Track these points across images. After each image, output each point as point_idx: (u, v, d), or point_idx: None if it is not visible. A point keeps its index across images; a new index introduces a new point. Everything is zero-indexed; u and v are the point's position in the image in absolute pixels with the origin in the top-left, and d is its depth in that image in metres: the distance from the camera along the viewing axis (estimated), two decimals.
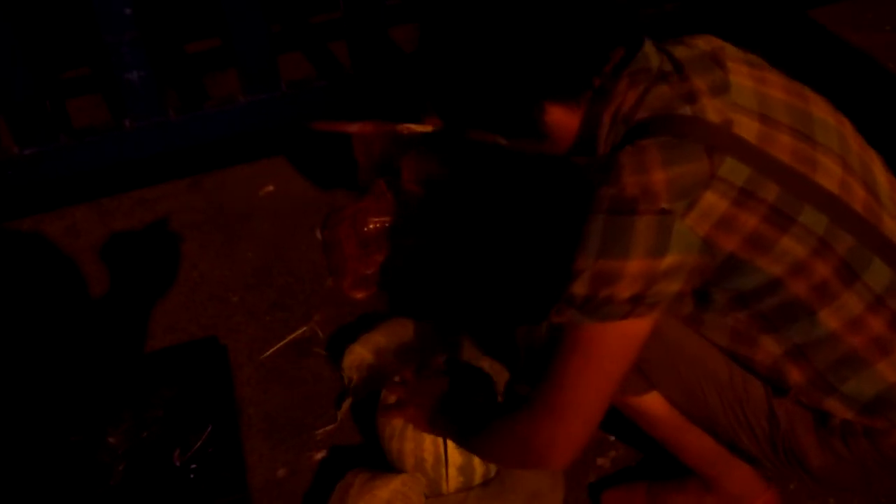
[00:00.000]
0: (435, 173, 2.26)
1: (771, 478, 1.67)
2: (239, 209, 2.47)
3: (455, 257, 2.23)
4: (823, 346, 1.32)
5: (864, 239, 1.27)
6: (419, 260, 2.23)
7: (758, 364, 1.39)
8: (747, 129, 1.25)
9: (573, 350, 1.29)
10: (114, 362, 2.06)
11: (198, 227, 2.43)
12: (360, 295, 2.21)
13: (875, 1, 3.09)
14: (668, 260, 1.22)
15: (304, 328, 2.15)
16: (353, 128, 2.40)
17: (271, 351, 2.11)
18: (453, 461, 1.67)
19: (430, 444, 1.67)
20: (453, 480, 1.69)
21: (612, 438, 1.85)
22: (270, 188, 2.52)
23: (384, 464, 1.74)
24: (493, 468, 1.72)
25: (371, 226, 2.25)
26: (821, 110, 1.34)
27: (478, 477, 1.71)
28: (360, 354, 1.96)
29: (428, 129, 2.22)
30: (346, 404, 1.93)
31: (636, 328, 1.27)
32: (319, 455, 1.90)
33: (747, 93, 1.29)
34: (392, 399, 1.73)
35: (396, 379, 1.76)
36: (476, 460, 1.68)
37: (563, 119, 1.32)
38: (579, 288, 1.25)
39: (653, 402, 1.51)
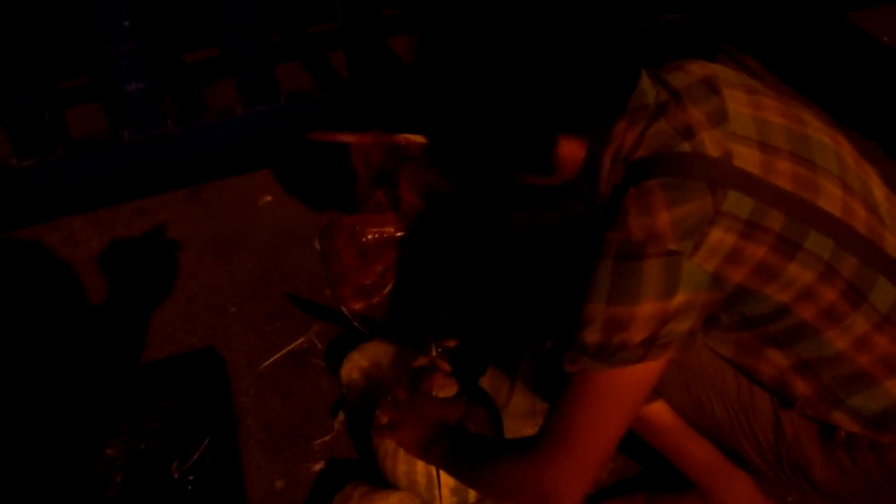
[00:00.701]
0: (434, 184, 2.26)
1: (769, 491, 1.67)
2: (237, 220, 2.47)
3: (454, 268, 2.22)
4: (830, 363, 1.32)
5: (868, 260, 1.27)
6: (418, 271, 2.23)
7: (763, 375, 1.39)
8: (747, 158, 1.24)
9: (587, 395, 1.28)
10: (112, 373, 2.06)
11: (196, 237, 2.43)
12: (358, 305, 2.21)
13: None
14: (678, 299, 1.21)
15: (303, 339, 2.15)
16: (352, 138, 2.40)
17: (269, 362, 2.11)
18: (446, 482, 1.66)
19: (422, 466, 1.66)
20: (447, 501, 1.68)
21: None
22: (269, 199, 2.52)
23: (382, 477, 1.74)
24: None
25: (370, 236, 2.25)
26: (817, 131, 1.34)
27: (472, 497, 1.70)
28: (357, 365, 1.96)
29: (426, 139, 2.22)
30: (343, 415, 1.93)
31: (649, 369, 1.26)
32: (318, 466, 1.89)
33: (745, 120, 1.28)
34: (384, 419, 1.70)
35: (389, 399, 1.72)
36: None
37: (573, 152, 1.31)
38: (591, 336, 1.24)
39: (658, 411, 1.51)
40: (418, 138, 2.27)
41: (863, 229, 1.28)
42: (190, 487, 1.76)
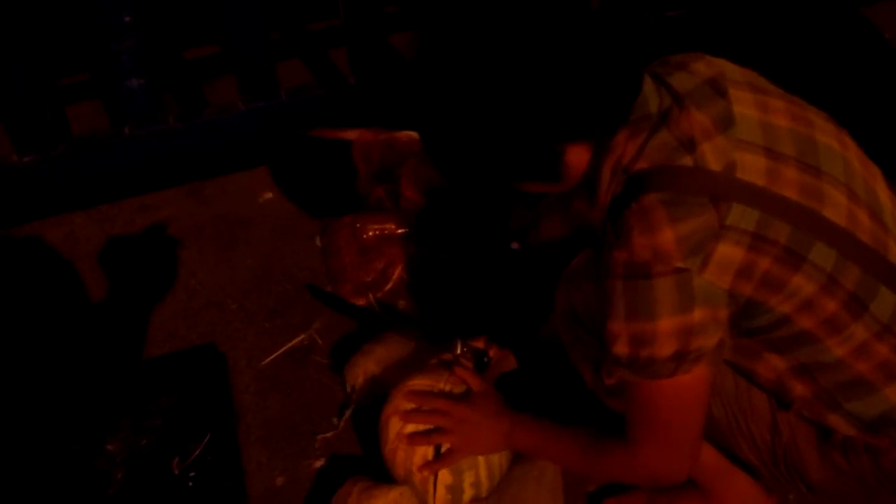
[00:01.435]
0: (435, 181, 2.26)
1: (771, 490, 1.66)
2: (238, 216, 2.47)
3: (456, 264, 2.22)
4: (829, 368, 1.32)
5: (870, 269, 1.27)
6: (419, 267, 2.23)
7: (761, 377, 1.39)
8: (752, 167, 1.23)
9: (645, 403, 1.32)
10: (112, 370, 2.06)
11: (196, 233, 2.43)
12: (359, 302, 2.21)
13: None
14: (698, 315, 1.22)
15: (303, 336, 2.15)
16: (353, 135, 2.40)
17: (270, 358, 2.11)
18: (442, 480, 1.64)
19: (419, 458, 1.64)
20: (441, 499, 1.66)
21: None
22: (269, 195, 2.52)
23: (384, 473, 1.74)
24: (484, 491, 1.68)
25: (370, 233, 2.25)
26: (824, 134, 1.32)
27: (466, 498, 1.67)
28: (362, 364, 1.95)
29: None
30: (348, 413, 1.93)
31: (692, 380, 1.27)
32: (318, 463, 1.89)
33: (752, 125, 1.26)
34: (421, 426, 1.65)
35: (425, 408, 1.65)
36: (466, 482, 1.65)
37: (579, 158, 1.29)
38: (621, 349, 1.26)
39: None
40: (419, 135, 2.26)
41: (866, 238, 1.27)
42: (191, 484, 1.76)
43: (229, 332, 2.17)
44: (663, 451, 1.35)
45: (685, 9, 2.55)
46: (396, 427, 1.67)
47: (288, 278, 2.30)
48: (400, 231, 2.26)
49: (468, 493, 1.67)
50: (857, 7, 2.92)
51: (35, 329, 2.20)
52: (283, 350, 2.12)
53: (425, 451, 1.64)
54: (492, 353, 1.85)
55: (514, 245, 2.19)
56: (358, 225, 2.27)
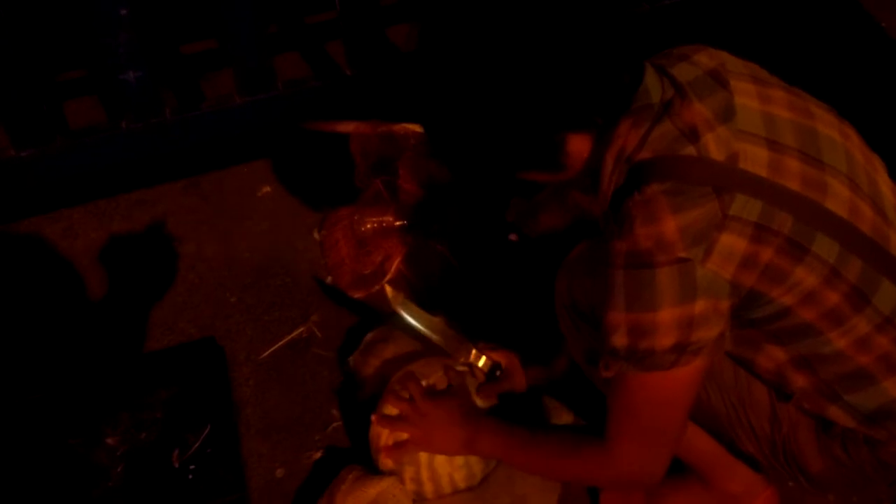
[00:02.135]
0: (434, 173, 2.26)
1: (770, 476, 1.67)
2: (236, 210, 2.47)
3: (454, 257, 2.22)
4: (830, 360, 1.32)
5: (873, 262, 1.27)
6: (417, 260, 2.23)
7: (761, 368, 1.39)
8: (755, 158, 1.23)
9: (635, 396, 1.30)
10: (112, 363, 2.06)
11: (195, 227, 2.42)
12: (358, 295, 2.21)
13: None
14: (700, 305, 1.21)
15: (302, 328, 2.15)
16: (350, 127, 2.39)
17: (269, 351, 2.11)
18: (430, 476, 1.67)
19: (384, 441, 1.67)
20: (427, 486, 1.69)
21: None
22: (267, 189, 2.52)
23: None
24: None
25: (369, 226, 2.25)
26: (826, 125, 1.32)
27: (447, 489, 1.70)
28: (364, 358, 1.95)
29: None
30: (347, 406, 1.93)
31: (688, 373, 1.27)
32: (318, 455, 1.90)
33: (753, 116, 1.26)
34: (393, 410, 1.68)
35: (404, 394, 1.68)
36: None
37: (581, 147, 1.29)
38: (619, 340, 1.25)
39: None
40: (417, 127, 2.26)
41: (868, 230, 1.27)
42: (190, 476, 1.76)
43: (228, 326, 2.17)
44: (643, 448, 1.34)
45: None
46: (386, 430, 1.69)
47: (286, 271, 2.30)
48: (398, 224, 2.26)
49: (448, 485, 1.69)
50: None
51: (34, 324, 2.20)
52: (282, 343, 2.12)
53: (397, 437, 1.66)
54: (503, 360, 1.82)
55: (512, 237, 2.19)
56: (356, 218, 2.26)
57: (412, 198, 2.28)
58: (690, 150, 1.21)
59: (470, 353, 1.80)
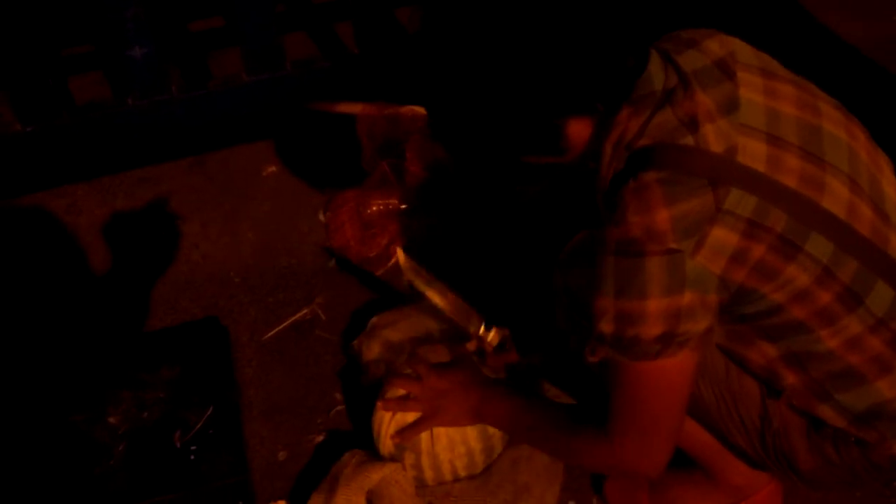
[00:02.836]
0: (439, 156, 2.25)
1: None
2: (241, 189, 2.46)
3: (460, 239, 2.21)
4: (820, 359, 1.31)
5: (868, 263, 1.26)
6: (423, 242, 2.22)
7: (752, 363, 1.39)
8: (753, 153, 1.22)
9: (626, 384, 1.30)
10: (114, 342, 2.05)
11: (199, 206, 2.41)
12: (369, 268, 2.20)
13: None
14: (688, 297, 1.20)
15: (306, 310, 2.14)
16: (357, 109, 2.38)
17: (273, 332, 2.10)
18: (430, 463, 1.66)
19: (394, 427, 1.66)
20: (427, 473, 1.68)
21: None
22: (273, 169, 2.51)
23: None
24: (478, 467, 1.70)
25: (374, 208, 2.24)
26: (832, 123, 1.30)
27: (448, 475, 1.69)
28: (368, 342, 1.94)
29: None
30: (350, 390, 1.92)
31: (676, 364, 1.26)
32: (320, 438, 1.89)
33: (756, 110, 1.25)
34: (398, 392, 1.68)
35: (408, 371, 1.68)
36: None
37: (582, 131, 1.28)
38: (606, 326, 1.25)
39: None
40: (423, 110, 2.25)
41: (866, 231, 1.26)
42: (192, 457, 1.75)
43: (232, 306, 2.16)
44: (643, 436, 1.33)
45: None
46: (388, 414, 1.68)
47: (291, 253, 2.29)
48: (404, 206, 2.25)
49: (449, 472, 1.68)
50: None
51: (37, 301, 2.19)
52: (286, 324, 2.12)
53: (402, 420, 1.66)
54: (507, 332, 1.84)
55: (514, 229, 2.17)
56: (362, 200, 2.26)
57: (419, 180, 2.27)
58: (689, 139, 1.21)
59: (479, 323, 1.81)
